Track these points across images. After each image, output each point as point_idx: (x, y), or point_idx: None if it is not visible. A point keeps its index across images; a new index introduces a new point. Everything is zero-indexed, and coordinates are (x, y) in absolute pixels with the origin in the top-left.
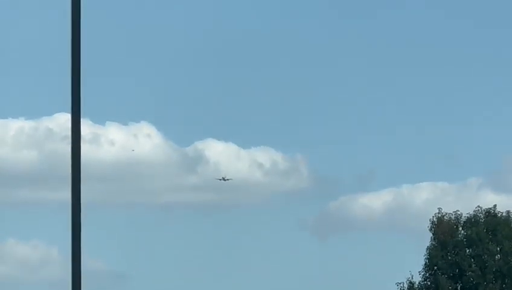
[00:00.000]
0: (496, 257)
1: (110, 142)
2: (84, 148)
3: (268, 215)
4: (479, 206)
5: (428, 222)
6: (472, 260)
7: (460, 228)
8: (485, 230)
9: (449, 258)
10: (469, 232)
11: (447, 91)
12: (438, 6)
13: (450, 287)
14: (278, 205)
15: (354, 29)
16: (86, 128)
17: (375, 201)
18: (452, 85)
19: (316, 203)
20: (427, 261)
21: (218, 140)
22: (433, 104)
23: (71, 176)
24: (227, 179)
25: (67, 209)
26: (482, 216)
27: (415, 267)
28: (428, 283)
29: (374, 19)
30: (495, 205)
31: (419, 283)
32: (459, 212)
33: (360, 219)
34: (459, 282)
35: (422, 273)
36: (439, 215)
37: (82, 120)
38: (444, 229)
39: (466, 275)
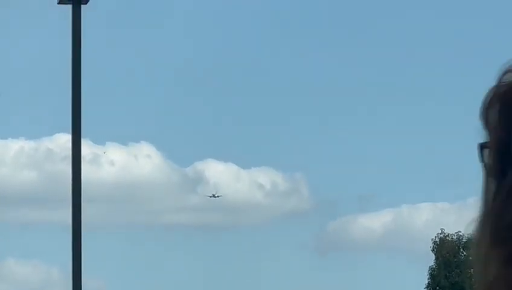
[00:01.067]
0: None
1: (110, 162)
2: (84, 168)
3: (269, 236)
4: None
5: (430, 242)
6: None
7: (462, 249)
8: None
9: (452, 278)
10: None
11: (447, 108)
12: (445, 15)
13: None
14: (278, 226)
15: (354, 46)
16: (86, 148)
17: (375, 221)
18: (452, 101)
19: (316, 224)
20: (429, 281)
21: (218, 160)
22: (433, 123)
23: (71, 196)
24: (218, 196)
25: (67, 229)
26: None
27: (416, 288)
28: None
29: (375, 36)
30: None
31: None
32: (461, 233)
33: (361, 239)
34: None
35: None
36: (442, 235)
37: (82, 140)
38: (447, 249)
39: None
